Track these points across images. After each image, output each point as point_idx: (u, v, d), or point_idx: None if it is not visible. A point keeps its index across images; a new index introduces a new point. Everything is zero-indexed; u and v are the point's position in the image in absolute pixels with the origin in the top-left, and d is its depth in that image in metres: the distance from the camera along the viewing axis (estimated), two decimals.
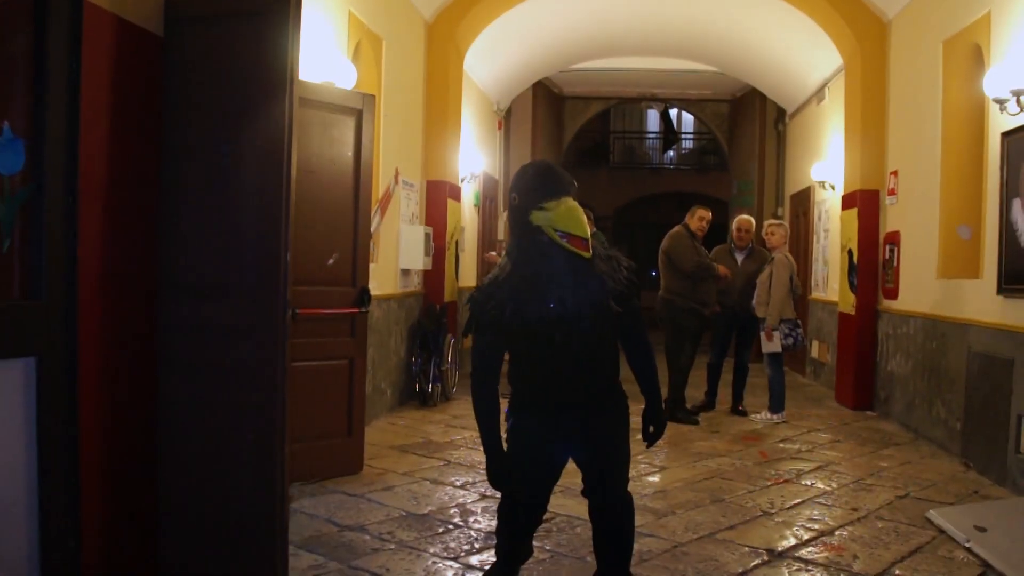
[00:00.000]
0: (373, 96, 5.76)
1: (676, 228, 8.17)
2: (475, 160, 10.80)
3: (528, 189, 3.17)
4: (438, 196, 9.29)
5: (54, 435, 3.04)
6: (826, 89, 10.60)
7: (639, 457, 3.22)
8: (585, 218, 3.15)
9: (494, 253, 10.63)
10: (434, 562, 4.10)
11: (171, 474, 3.65)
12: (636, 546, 3.57)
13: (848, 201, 9.14)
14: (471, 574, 3.96)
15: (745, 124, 15.74)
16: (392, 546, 4.30)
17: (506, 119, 13.66)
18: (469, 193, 10.84)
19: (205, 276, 3.61)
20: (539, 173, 3.20)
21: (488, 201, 12.30)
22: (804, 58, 10.54)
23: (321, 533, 4.46)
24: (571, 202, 3.13)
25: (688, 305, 7.90)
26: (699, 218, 8.20)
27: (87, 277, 3.25)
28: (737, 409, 8.43)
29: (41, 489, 2.99)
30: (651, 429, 3.39)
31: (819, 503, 5.31)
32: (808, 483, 5.80)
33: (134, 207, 3.57)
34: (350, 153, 5.47)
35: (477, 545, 4.34)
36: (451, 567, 4.04)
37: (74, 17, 3.14)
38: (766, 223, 8.74)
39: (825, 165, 10.42)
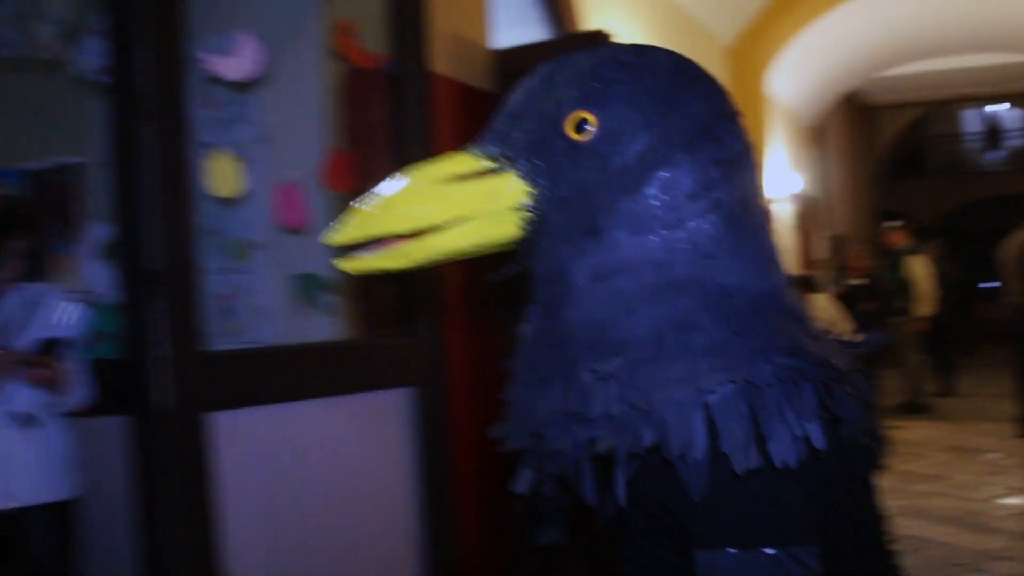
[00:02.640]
0: None
1: None
2: (791, 180, 10.68)
3: None
4: None
5: (432, 451, 3.47)
6: None
7: None
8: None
9: None
10: None
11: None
12: None
13: None
14: None
15: None
16: None
17: (817, 136, 13.39)
18: (788, 213, 10.72)
19: None
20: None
21: (807, 220, 12.11)
22: None
23: None
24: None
25: None
26: None
27: (451, 317, 3.70)
28: None
29: (423, 498, 3.41)
30: None
31: None
32: None
33: None
34: None
35: None
36: None
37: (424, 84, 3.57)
38: None
39: None
